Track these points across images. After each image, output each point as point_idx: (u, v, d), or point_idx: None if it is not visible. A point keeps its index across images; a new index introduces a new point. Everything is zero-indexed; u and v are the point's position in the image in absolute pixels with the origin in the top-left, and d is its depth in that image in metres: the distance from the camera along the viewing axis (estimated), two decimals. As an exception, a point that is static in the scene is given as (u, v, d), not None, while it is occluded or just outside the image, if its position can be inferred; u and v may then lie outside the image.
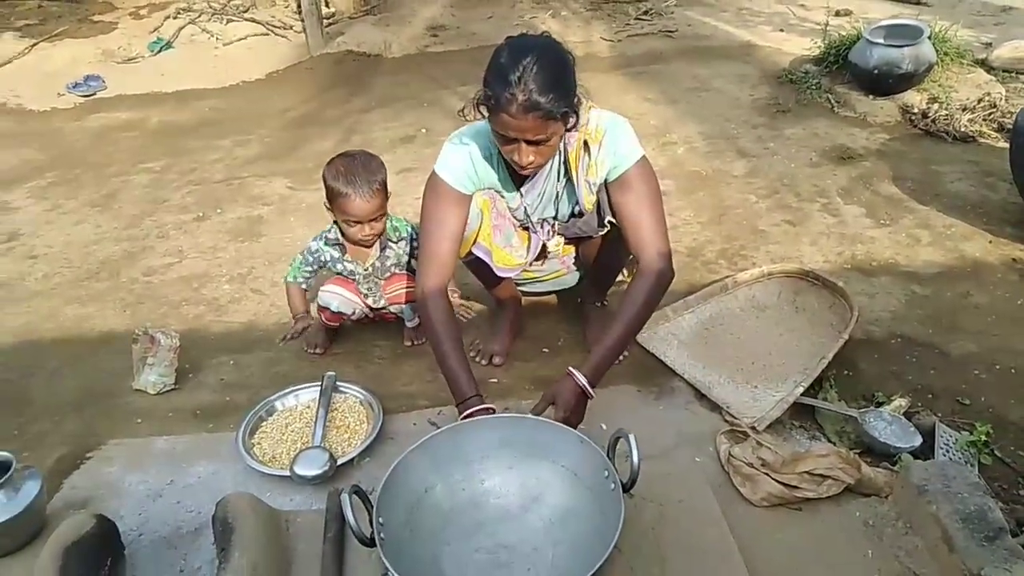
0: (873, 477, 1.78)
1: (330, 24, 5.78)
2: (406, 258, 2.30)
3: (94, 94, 5.04)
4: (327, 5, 5.97)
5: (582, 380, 1.83)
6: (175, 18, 6.24)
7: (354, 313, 2.33)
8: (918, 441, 1.95)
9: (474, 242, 2.00)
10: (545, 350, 2.36)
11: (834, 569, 1.59)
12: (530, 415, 1.75)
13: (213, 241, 3.11)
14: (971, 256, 2.70)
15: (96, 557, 1.51)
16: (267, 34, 5.84)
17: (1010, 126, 3.49)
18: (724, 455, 1.87)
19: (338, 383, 2.13)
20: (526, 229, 2.08)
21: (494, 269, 2.04)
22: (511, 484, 1.63)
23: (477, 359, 2.30)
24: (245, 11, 6.28)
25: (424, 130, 4.08)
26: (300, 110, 4.61)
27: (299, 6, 5.54)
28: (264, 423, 2.05)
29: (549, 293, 2.51)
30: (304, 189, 3.50)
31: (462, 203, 1.92)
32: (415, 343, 2.38)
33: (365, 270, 2.27)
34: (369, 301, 2.32)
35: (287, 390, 2.12)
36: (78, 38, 6.03)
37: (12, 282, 2.90)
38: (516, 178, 1.98)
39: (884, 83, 3.82)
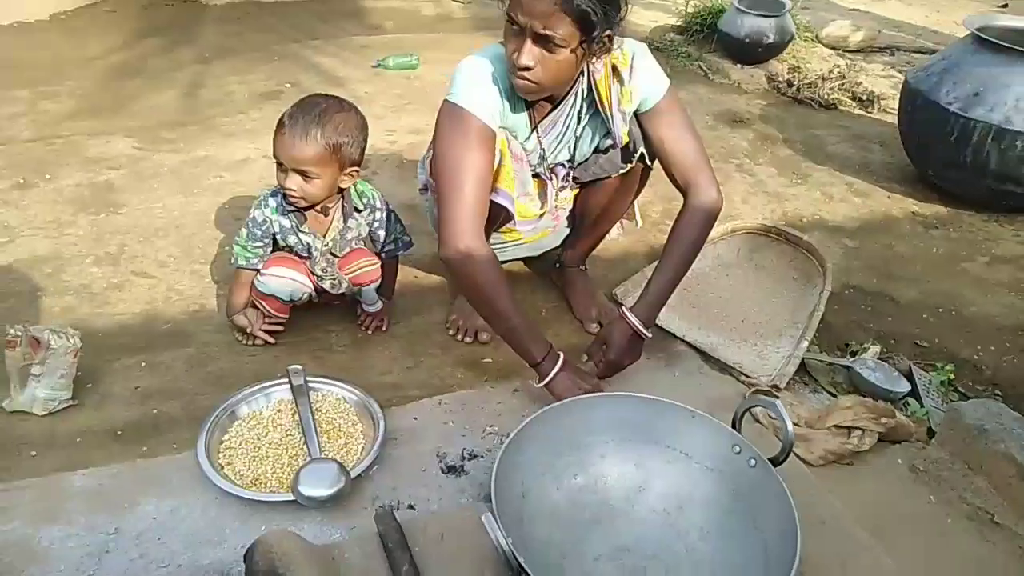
0: (906, 423, 1.79)
1: (128, -39, 4.83)
2: (367, 230, 1.91)
3: None
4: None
5: (635, 322, 1.68)
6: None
7: (302, 298, 1.90)
8: (907, 385, 2.01)
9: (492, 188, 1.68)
10: (528, 322, 2.10)
11: (906, 521, 1.56)
12: (618, 392, 1.52)
13: (53, 214, 2.40)
14: (879, 211, 2.89)
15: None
16: (43, -33, 4.75)
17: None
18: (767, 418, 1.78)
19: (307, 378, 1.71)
20: (536, 176, 1.81)
21: (515, 223, 1.75)
22: (608, 475, 1.39)
23: (457, 337, 1.99)
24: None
25: (289, 84, 3.53)
26: (112, 59, 3.78)
27: (88, -65, 4.56)
28: (227, 437, 1.58)
29: (521, 259, 2.25)
30: (158, 151, 2.85)
31: (490, 142, 1.60)
32: (379, 329, 2.00)
33: (325, 245, 1.85)
34: (325, 284, 1.89)
35: (248, 391, 1.66)
36: None
37: None
38: (533, 117, 1.70)
39: (752, 52, 4.00)
